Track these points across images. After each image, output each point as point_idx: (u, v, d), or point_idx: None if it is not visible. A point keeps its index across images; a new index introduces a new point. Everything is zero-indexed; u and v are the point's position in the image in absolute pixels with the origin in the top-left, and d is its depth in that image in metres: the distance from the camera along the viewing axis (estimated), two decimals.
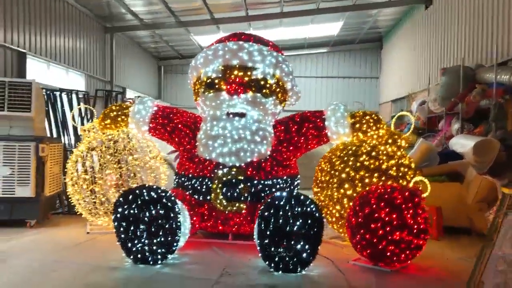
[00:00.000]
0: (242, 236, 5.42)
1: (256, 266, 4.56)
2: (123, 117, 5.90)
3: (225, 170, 5.31)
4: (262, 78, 5.55)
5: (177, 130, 5.79)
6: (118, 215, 4.48)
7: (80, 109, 7.83)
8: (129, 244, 4.50)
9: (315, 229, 4.35)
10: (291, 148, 5.72)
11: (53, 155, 6.46)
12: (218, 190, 5.30)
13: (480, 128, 7.97)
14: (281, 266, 4.37)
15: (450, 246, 5.74)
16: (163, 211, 4.46)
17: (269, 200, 4.45)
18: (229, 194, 5.29)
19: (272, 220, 4.38)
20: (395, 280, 4.31)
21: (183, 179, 5.62)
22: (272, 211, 4.39)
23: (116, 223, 4.50)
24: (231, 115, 5.57)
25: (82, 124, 7.70)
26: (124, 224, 4.48)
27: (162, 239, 4.47)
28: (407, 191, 4.59)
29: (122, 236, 4.50)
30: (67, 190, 5.96)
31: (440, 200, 6.39)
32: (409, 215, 4.47)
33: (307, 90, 21.63)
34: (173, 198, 4.51)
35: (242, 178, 5.30)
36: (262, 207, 4.46)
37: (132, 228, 4.47)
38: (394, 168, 5.29)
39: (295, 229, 4.35)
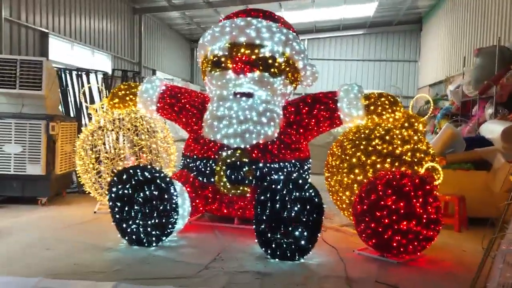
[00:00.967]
0: (249, 221, 5.23)
1: (253, 252, 4.37)
2: (131, 96, 5.80)
3: (229, 152, 5.13)
4: (270, 57, 5.28)
5: (184, 110, 5.64)
6: (113, 195, 4.39)
7: (99, 89, 7.83)
8: (124, 225, 4.41)
9: (314, 215, 4.11)
10: (301, 130, 5.45)
11: (65, 134, 6.48)
12: (222, 173, 5.12)
13: None
14: (278, 253, 4.17)
15: (471, 239, 5.35)
16: (157, 192, 4.33)
17: (265, 183, 4.23)
18: (233, 177, 5.11)
19: (269, 204, 4.17)
20: (398, 272, 4.02)
21: (188, 160, 5.48)
22: (268, 195, 4.17)
23: (110, 203, 4.42)
24: (238, 95, 5.36)
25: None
26: (118, 204, 4.39)
27: (157, 220, 4.35)
28: (418, 178, 4.26)
29: (117, 216, 4.42)
30: (77, 169, 5.96)
31: (465, 189, 6.01)
32: (418, 204, 4.15)
33: (341, 74, 21.08)
34: (168, 179, 4.37)
35: (247, 160, 5.09)
36: (259, 190, 4.25)
37: (126, 208, 4.38)
38: (409, 154, 4.94)
39: (293, 214, 4.12)
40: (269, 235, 4.17)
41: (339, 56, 21.98)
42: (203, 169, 5.26)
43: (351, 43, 22.06)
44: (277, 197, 4.15)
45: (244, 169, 5.09)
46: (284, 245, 4.15)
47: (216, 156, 5.17)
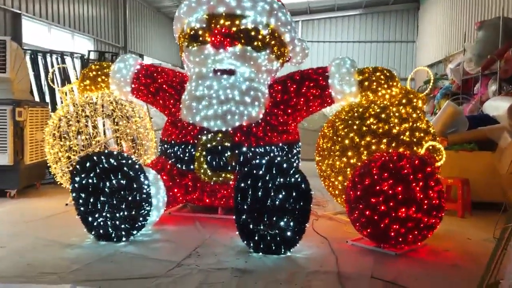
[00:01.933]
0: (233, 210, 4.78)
1: (234, 245, 3.92)
2: (103, 77, 5.30)
3: (209, 135, 4.65)
4: (253, 28, 4.77)
5: (161, 91, 5.15)
6: (76, 185, 3.92)
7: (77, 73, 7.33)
8: (90, 218, 3.95)
9: (301, 203, 3.63)
10: (289, 111, 4.97)
11: (35, 120, 5.98)
12: (202, 159, 4.65)
13: None
14: (261, 246, 3.71)
15: (477, 225, 4.91)
16: (125, 181, 3.86)
17: (245, 169, 3.76)
18: (214, 163, 4.64)
19: (250, 192, 3.69)
20: (397, 265, 3.57)
21: (165, 146, 5.01)
22: (249, 181, 3.70)
23: (74, 194, 3.95)
24: (218, 73, 4.86)
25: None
26: (83, 195, 3.92)
27: (126, 213, 3.89)
28: (417, 159, 3.79)
29: (82, 209, 3.95)
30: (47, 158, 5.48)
31: (469, 172, 5.56)
32: (418, 188, 3.69)
33: (337, 56, 20.43)
34: (137, 166, 3.89)
35: (229, 144, 4.62)
36: (238, 177, 3.78)
37: (92, 200, 3.91)
38: (408, 133, 4.47)
39: (277, 203, 3.65)
40: (251, 226, 3.71)
41: (334, 38, 21.36)
42: (181, 155, 4.78)
43: (347, 24, 21.40)
44: (259, 184, 3.68)
45: (226, 154, 4.62)
46: (268, 237, 3.69)
47: (195, 141, 4.69)
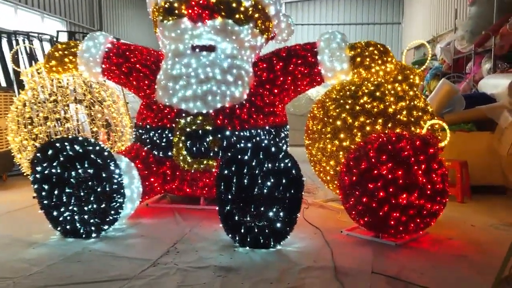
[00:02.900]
0: None
1: (218, 239, 3.52)
2: (70, 57, 4.79)
3: (188, 118, 4.22)
4: (234, 0, 4.32)
5: (134, 71, 4.68)
6: (37, 176, 3.47)
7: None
8: (55, 213, 3.51)
9: (292, 191, 3.24)
10: (275, 90, 4.55)
11: None
12: (181, 144, 4.23)
13: None
14: (248, 240, 3.32)
15: (479, 210, 4.61)
16: (92, 170, 3.41)
17: (229, 154, 3.34)
18: (194, 148, 4.22)
19: (235, 180, 3.29)
20: (398, 257, 3.21)
21: (140, 131, 4.56)
22: (233, 168, 3.29)
23: (36, 186, 3.49)
24: (196, 49, 4.41)
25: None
26: (45, 187, 3.47)
27: (95, 206, 3.45)
28: (418, 140, 3.42)
29: (45, 202, 3.50)
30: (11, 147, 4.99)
31: (467, 153, 5.24)
32: (420, 172, 3.33)
33: None
34: (106, 153, 3.45)
35: (211, 128, 4.20)
36: (221, 163, 3.37)
37: (56, 192, 3.46)
38: (405, 112, 4.12)
39: (265, 191, 3.25)
40: (236, 218, 3.31)
41: (318, 21, 20.90)
42: (158, 141, 4.35)
43: (331, 6, 20.93)
44: (245, 170, 3.27)
45: (208, 139, 4.20)
46: (256, 230, 3.30)
47: (173, 125, 4.25)
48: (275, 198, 3.25)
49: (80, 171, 3.41)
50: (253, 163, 3.26)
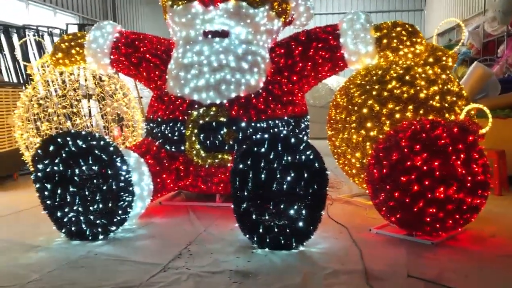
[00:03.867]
0: None
1: (235, 240, 3.22)
2: (77, 48, 4.56)
3: (201, 110, 3.92)
4: None
5: (144, 61, 4.41)
6: (39, 174, 3.22)
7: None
8: (59, 213, 3.26)
9: (315, 186, 2.92)
10: (294, 78, 4.23)
11: (6, 103, 5.26)
12: (194, 138, 3.94)
13: None
14: (267, 240, 3.01)
15: None
16: (97, 167, 3.15)
17: (244, 146, 3.03)
18: (208, 142, 3.93)
19: (251, 175, 2.97)
20: (437, 258, 2.87)
21: (151, 125, 4.29)
22: (249, 162, 2.97)
23: (38, 185, 3.25)
24: (209, 35, 4.11)
25: None
26: (48, 186, 3.22)
27: (101, 205, 3.19)
28: (456, 126, 3.05)
29: (48, 202, 3.25)
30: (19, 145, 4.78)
31: (504, 142, 4.82)
32: (459, 162, 2.96)
33: None
34: (112, 148, 3.18)
35: (225, 120, 3.90)
36: (235, 157, 3.06)
37: (59, 191, 3.21)
38: (437, 98, 3.74)
39: (285, 186, 2.94)
40: (254, 217, 3.00)
41: (337, 9, 20.31)
42: (169, 134, 4.07)
43: None
44: (262, 164, 2.96)
45: (222, 131, 3.90)
46: (276, 230, 2.98)
47: (185, 117, 3.97)
48: (296, 194, 2.93)
49: (84, 168, 3.15)
50: (271, 156, 2.94)
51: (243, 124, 3.91)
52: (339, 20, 4.26)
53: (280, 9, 4.26)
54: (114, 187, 3.17)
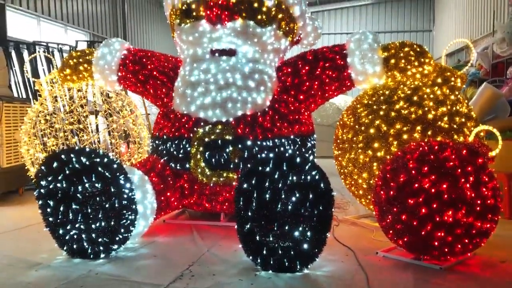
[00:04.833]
0: None
1: (238, 262, 3.16)
2: (85, 65, 4.58)
3: (207, 127, 3.90)
4: None
5: (151, 79, 4.42)
6: (42, 191, 3.20)
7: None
8: (61, 231, 3.22)
9: (320, 207, 2.86)
10: (301, 97, 4.20)
11: (14, 118, 5.28)
12: (199, 155, 3.91)
13: None
14: (272, 263, 2.94)
15: None
16: (100, 185, 3.12)
17: (249, 165, 2.99)
18: (213, 160, 3.89)
19: (255, 195, 2.93)
20: (445, 283, 2.79)
21: (157, 142, 4.27)
22: (254, 181, 2.93)
23: (40, 202, 3.23)
24: (216, 53, 4.12)
25: None
26: (51, 203, 3.20)
27: (103, 223, 3.15)
28: (465, 148, 3.00)
29: (50, 219, 3.22)
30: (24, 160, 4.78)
31: None
32: (468, 185, 2.90)
33: None
34: (116, 165, 3.16)
35: (231, 138, 3.87)
36: (240, 176, 3.02)
37: (62, 208, 3.18)
38: (446, 118, 3.68)
39: (290, 207, 2.88)
40: (257, 238, 2.95)
41: (345, 29, 20.48)
42: (174, 152, 4.04)
43: (358, 14, 20.52)
44: (267, 184, 2.91)
45: (228, 150, 3.87)
46: (280, 251, 2.92)
47: (191, 134, 3.95)
48: (301, 215, 2.88)
49: (87, 185, 3.12)
50: (276, 176, 2.90)
51: (249, 143, 3.88)
52: (346, 39, 4.24)
53: (287, 28, 4.27)
54: (117, 205, 3.13)
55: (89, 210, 3.15)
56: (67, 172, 3.14)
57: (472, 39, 12.83)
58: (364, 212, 4.56)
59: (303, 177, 2.87)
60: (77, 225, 3.18)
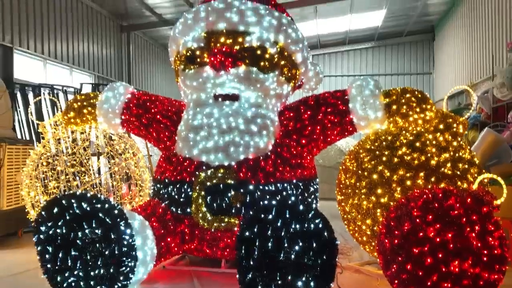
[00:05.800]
0: None
1: None
2: (89, 108, 4.62)
3: (209, 171, 3.88)
4: (259, 46, 4.07)
5: (154, 123, 4.44)
6: (41, 236, 3.15)
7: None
8: (59, 278, 3.15)
9: (324, 256, 2.81)
10: (303, 141, 4.21)
11: (16, 160, 5.29)
12: (200, 200, 3.87)
13: None
14: None
15: None
16: (100, 231, 3.08)
17: (251, 212, 2.96)
18: (215, 205, 3.85)
19: (258, 243, 2.88)
20: None
21: (158, 185, 4.25)
22: (256, 229, 2.89)
23: (39, 248, 3.17)
24: (219, 98, 4.16)
25: None
26: (49, 249, 3.15)
27: (102, 270, 3.09)
28: (470, 197, 2.97)
29: (48, 266, 3.16)
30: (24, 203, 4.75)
31: None
32: (473, 234, 2.86)
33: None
34: (116, 211, 3.13)
35: (233, 182, 3.84)
36: (241, 223, 2.98)
37: (61, 255, 3.13)
38: (449, 165, 3.68)
39: (292, 256, 2.83)
40: (259, 287, 2.87)
41: (346, 72, 20.83)
42: (176, 196, 4.01)
43: (359, 57, 20.91)
44: (269, 232, 2.87)
45: (230, 194, 3.83)
46: None
47: (192, 178, 3.93)
48: (304, 265, 2.82)
49: (87, 231, 3.08)
50: (278, 224, 2.86)
51: (251, 187, 3.85)
52: (348, 84, 4.29)
53: (289, 74, 4.33)
54: (116, 251, 3.08)
55: (89, 257, 3.09)
56: (68, 217, 3.10)
57: (471, 82, 13.00)
58: (368, 258, 4.47)
59: (306, 225, 2.83)
60: (75, 272, 3.12)
